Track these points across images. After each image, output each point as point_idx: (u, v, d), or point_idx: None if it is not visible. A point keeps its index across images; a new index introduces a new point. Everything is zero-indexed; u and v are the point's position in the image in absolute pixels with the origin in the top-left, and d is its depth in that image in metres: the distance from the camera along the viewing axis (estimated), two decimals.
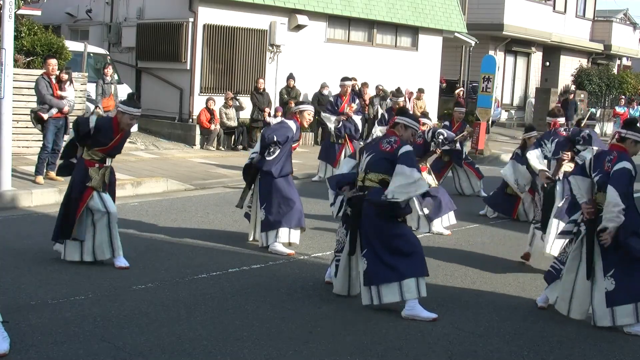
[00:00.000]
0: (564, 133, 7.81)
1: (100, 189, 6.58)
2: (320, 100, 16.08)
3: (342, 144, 12.10)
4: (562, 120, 8.26)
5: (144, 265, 6.68)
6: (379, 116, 12.12)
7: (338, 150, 12.07)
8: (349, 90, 12.54)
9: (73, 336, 4.83)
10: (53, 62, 10.32)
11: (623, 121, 6.18)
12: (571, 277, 5.80)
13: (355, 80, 17.38)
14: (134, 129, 15.11)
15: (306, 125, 8.09)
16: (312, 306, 5.79)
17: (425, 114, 10.36)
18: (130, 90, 15.10)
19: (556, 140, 7.62)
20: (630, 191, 5.60)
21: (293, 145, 7.70)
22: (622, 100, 24.35)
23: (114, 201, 6.76)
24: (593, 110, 26.27)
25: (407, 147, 5.80)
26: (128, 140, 15.13)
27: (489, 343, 5.22)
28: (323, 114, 12.40)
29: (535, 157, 7.56)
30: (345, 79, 12.76)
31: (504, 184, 10.01)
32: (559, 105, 14.99)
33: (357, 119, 12.17)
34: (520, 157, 9.00)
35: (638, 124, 5.94)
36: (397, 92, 13.65)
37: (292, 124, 7.67)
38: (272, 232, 7.39)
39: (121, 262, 6.59)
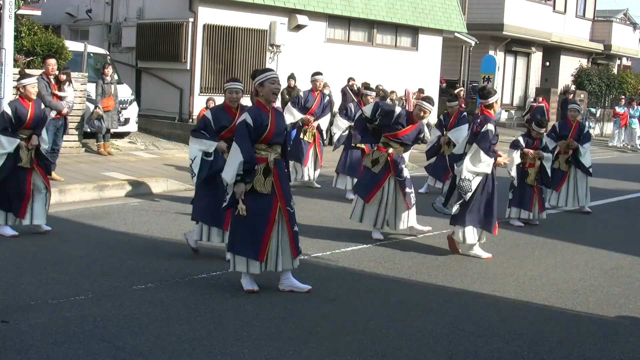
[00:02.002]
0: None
1: (28, 165, 7.46)
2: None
3: (311, 143, 11.39)
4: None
5: (144, 265, 6.68)
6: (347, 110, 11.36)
7: (307, 148, 11.36)
8: (320, 85, 11.61)
9: (73, 336, 4.83)
10: (52, 62, 10.33)
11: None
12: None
13: (353, 80, 17.38)
14: (134, 128, 15.13)
15: (273, 100, 5.84)
16: (312, 306, 5.79)
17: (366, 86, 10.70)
18: (130, 90, 15.11)
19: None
20: None
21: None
22: (622, 100, 24.34)
23: (49, 169, 7.97)
24: (592, 109, 26.39)
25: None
26: (128, 140, 15.24)
27: (489, 343, 5.22)
28: (288, 107, 11.47)
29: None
30: (316, 73, 11.65)
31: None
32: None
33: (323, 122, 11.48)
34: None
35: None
36: (371, 88, 13.20)
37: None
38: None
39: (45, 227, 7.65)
